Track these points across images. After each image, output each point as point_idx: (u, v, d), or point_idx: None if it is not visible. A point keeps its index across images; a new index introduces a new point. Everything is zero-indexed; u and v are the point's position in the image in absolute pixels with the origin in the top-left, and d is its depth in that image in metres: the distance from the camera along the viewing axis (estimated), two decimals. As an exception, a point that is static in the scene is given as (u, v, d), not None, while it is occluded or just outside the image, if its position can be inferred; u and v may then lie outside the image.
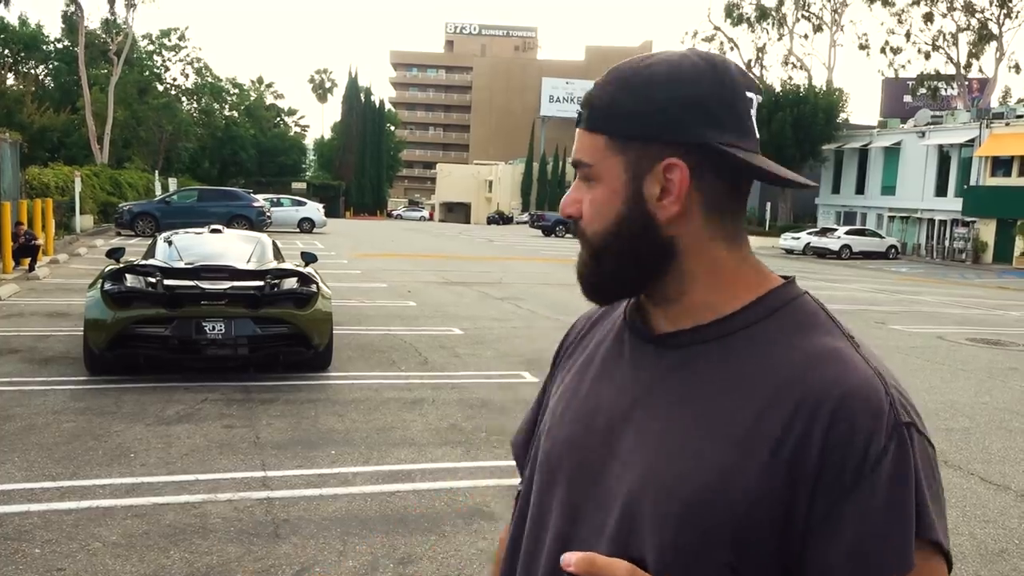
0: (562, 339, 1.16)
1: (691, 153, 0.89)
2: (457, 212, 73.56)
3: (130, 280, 7.14)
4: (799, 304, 0.94)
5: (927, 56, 45.48)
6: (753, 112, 0.92)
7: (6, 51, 54.81)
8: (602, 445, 0.95)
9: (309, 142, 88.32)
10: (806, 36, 52.28)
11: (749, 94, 0.92)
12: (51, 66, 56.97)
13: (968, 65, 44.24)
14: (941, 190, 37.00)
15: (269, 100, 78.39)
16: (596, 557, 0.83)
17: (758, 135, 0.93)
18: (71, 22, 47.95)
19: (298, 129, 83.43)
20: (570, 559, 0.83)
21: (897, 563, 0.82)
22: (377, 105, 75.97)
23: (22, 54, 55.60)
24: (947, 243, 36.15)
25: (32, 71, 56.19)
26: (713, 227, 0.92)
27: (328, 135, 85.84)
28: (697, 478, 0.86)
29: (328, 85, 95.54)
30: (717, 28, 49.79)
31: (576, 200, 0.97)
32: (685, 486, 0.87)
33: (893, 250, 35.39)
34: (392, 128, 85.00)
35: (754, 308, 0.93)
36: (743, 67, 0.95)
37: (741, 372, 0.89)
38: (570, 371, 1.06)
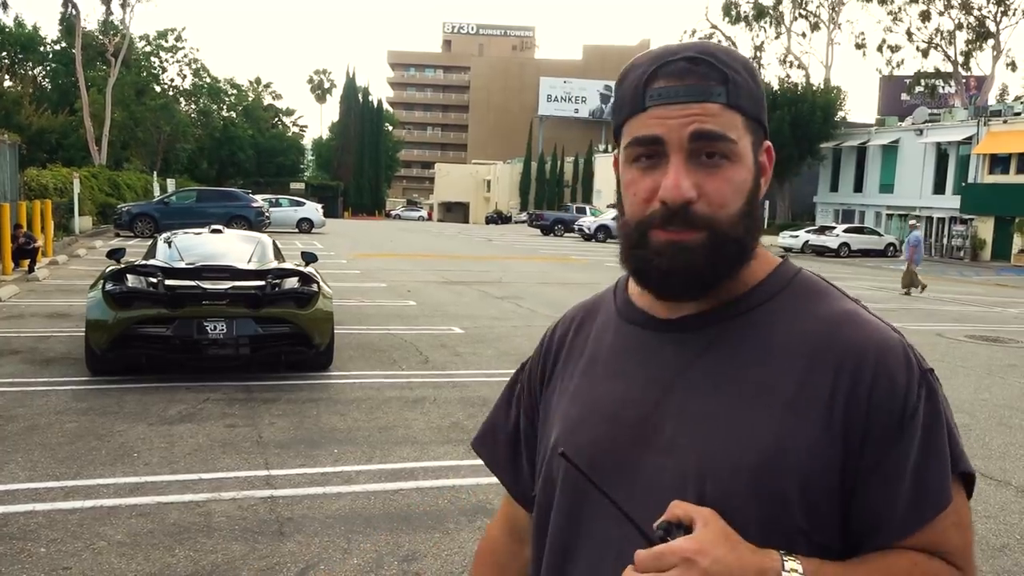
0: (542, 348, 1.13)
1: (767, 138, 0.98)
2: (456, 212, 73.54)
3: (131, 280, 7.15)
4: (804, 277, 1.00)
5: (924, 54, 45.49)
6: None
7: (3, 53, 54.71)
8: (635, 440, 0.94)
9: (307, 142, 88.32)
10: (804, 34, 52.34)
11: None
12: (49, 68, 56.90)
13: (965, 63, 44.25)
14: (939, 188, 37.03)
15: (267, 100, 78.40)
16: (678, 501, 0.85)
17: None
18: (68, 23, 47.93)
19: (296, 129, 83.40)
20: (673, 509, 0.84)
21: (942, 499, 0.89)
22: (375, 105, 75.96)
23: (20, 56, 55.51)
24: (945, 240, 36.18)
25: (30, 73, 56.11)
26: None
27: (326, 135, 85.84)
28: (758, 447, 0.88)
29: (326, 85, 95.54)
30: (715, 27, 49.77)
31: (694, 183, 0.89)
32: (748, 458, 0.88)
33: (892, 248, 35.40)
34: (390, 128, 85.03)
35: (769, 283, 0.98)
36: None
37: (771, 343, 0.93)
38: (573, 376, 1.04)
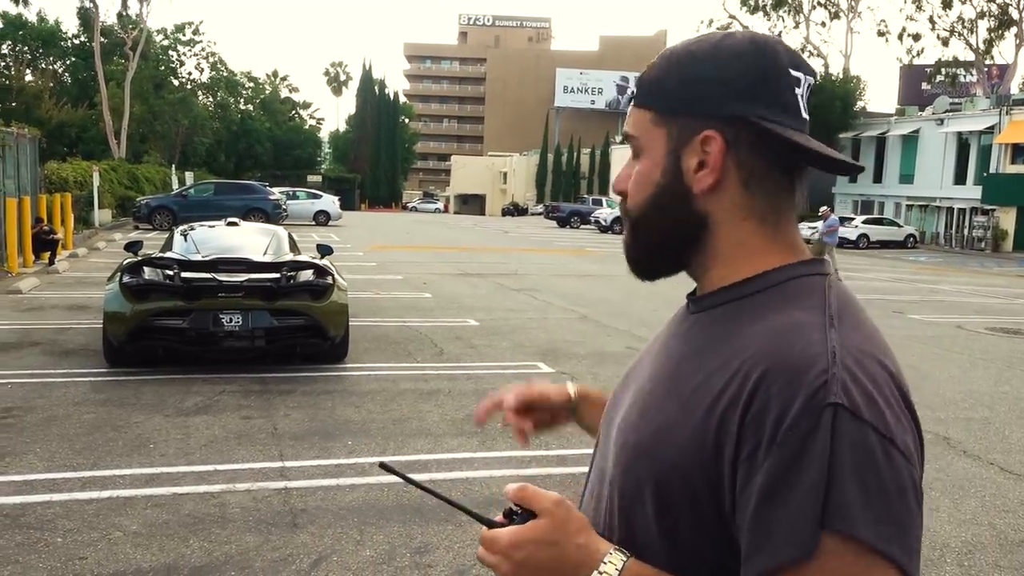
0: None
1: (729, 127, 0.91)
2: (472, 204, 73.54)
3: (148, 273, 7.20)
4: (805, 281, 0.91)
5: (945, 43, 44.93)
6: (800, 91, 0.93)
7: (24, 48, 55.22)
8: (615, 404, 1.03)
9: (324, 135, 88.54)
10: (823, 23, 51.90)
11: (796, 72, 0.93)
12: (68, 62, 57.38)
13: (987, 51, 43.66)
14: (960, 178, 36.60)
15: (284, 93, 78.63)
16: (526, 486, 0.89)
17: (806, 115, 0.94)
18: (87, 17, 48.27)
19: (313, 122, 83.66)
20: (507, 489, 0.90)
21: (792, 545, 0.76)
22: (391, 98, 76.07)
23: (40, 50, 56.00)
24: (966, 232, 35.78)
25: (50, 67, 56.59)
26: (746, 206, 0.93)
27: (343, 128, 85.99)
28: (641, 431, 0.91)
29: (343, 78, 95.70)
30: (732, 16, 49.38)
31: (626, 176, 0.99)
32: (632, 438, 0.92)
33: (912, 239, 35.06)
34: (406, 120, 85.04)
35: (754, 282, 0.92)
36: (793, 48, 0.96)
37: (711, 339, 0.91)
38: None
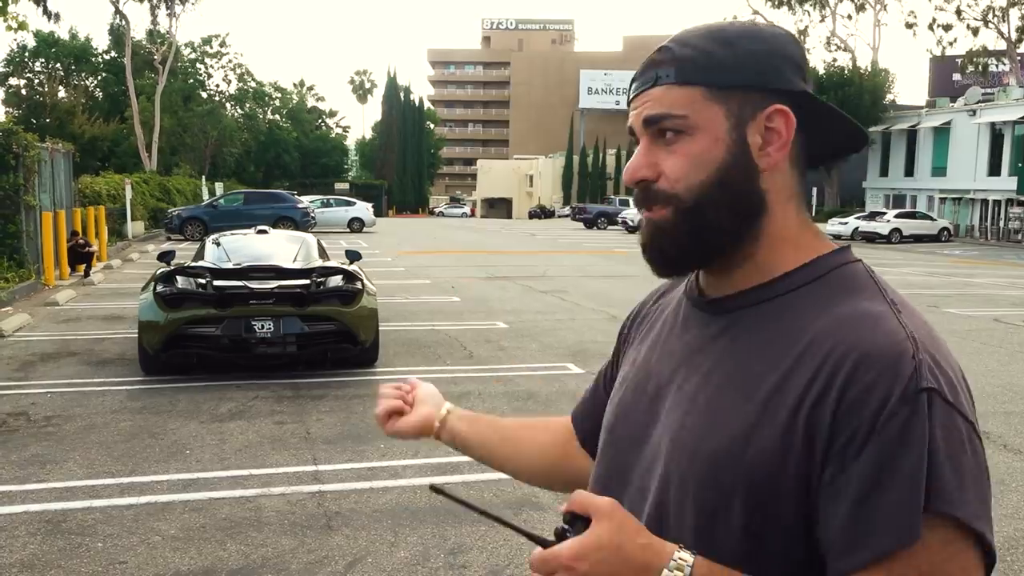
0: (631, 313, 1.18)
1: (793, 102, 0.92)
2: (499, 208, 73.64)
3: (181, 282, 7.30)
4: (848, 269, 0.92)
5: (975, 32, 44.13)
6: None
7: (57, 65, 56.35)
8: (647, 410, 0.97)
9: (350, 143, 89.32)
10: (849, 16, 51.40)
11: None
12: (100, 77, 58.44)
13: (1019, 40, 42.85)
14: (994, 169, 35.93)
15: (310, 103, 79.43)
16: (580, 492, 0.85)
17: None
18: (118, 34, 49.15)
19: (339, 130, 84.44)
20: (563, 506, 0.85)
21: (897, 531, 0.78)
22: (416, 104, 76.52)
23: (72, 67, 57.11)
24: (1002, 224, 35.11)
25: (82, 83, 57.68)
26: (790, 186, 0.94)
27: (369, 135, 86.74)
28: (715, 438, 0.87)
29: (368, 86, 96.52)
30: (756, 12, 48.94)
31: (649, 163, 0.93)
32: (704, 446, 0.88)
33: (946, 233, 34.47)
34: (432, 126, 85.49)
35: (800, 273, 0.92)
36: None
37: (774, 335, 0.89)
38: (634, 344, 1.10)
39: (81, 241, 15.47)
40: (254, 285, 7.29)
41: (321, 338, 7.39)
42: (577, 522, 0.83)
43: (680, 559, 0.82)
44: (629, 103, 0.97)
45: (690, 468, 0.89)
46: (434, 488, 0.95)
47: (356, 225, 33.34)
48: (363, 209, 34.70)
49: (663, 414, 0.95)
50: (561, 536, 0.83)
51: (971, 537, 0.79)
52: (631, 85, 0.97)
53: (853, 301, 0.88)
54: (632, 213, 38.60)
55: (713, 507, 0.87)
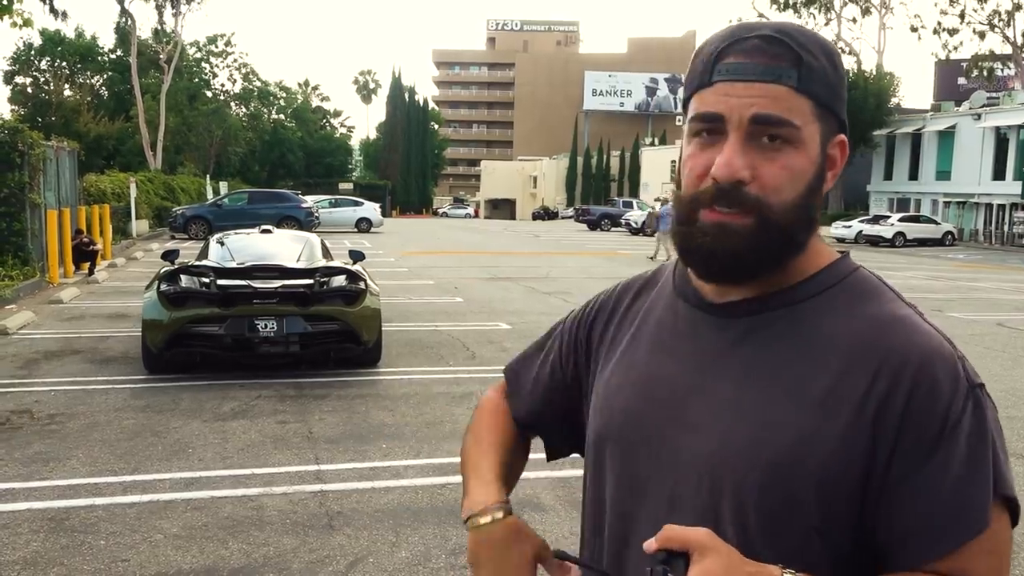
0: (597, 303, 1.13)
1: (844, 131, 0.95)
2: (502, 208, 73.63)
3: (185, 281, 7.32)
4: (860, 275, 0.96)
5: (981, 36, 44.06)
6: None
7: (63, 63, 56.46)
8: (666, 417, 0.95)
9: (355, 143, 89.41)
10: (854, 20, 51.25)
11: None
12: (106, 76, 58.54)
13: (1025, 44, 42.75)
14: (999, 173, 35.86)
15: (315, 103, 79.51)
16: (669, 527, 0.80)
17: None
18: (123, 33, 49.21)
19: (344, 130, 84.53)
20: (648, 545, 0.80)
21: (976, 521, 0.83)
22: (421, 104, 76.60)
23: (78, 65, 57.22)
24: (1006, 228, 35.03)
25: (88, 81, 57.80)
26: (820, 205, 0.96)
27: (373, 135, 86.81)
28: (778, 443, 0.87)
29: (372, 86, 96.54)
30: (761, 15, 48.89)
31: (748, 164, 0.87)
32: (765, 451, 0.87)
33: (950, 236, 34.40)
34: (436, 126, 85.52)
35: (819, 278, 0.94)
36: None
37: (813, 338, 0.90)
38: (620, 344, 1.05)
39: (86, 239, 15.50)
40: (258, 284, 7.30)
41: (324, 338, 7.40)
42: (675, 560, 0.78)
43: None
44: (719, 81, 0.88)
45: (749, 475, 0.87)
46: (558, 554, 0.95)
47: (364, 225, 33.53)
48: (371, 209, 34.93)
49: (692, 422, 0.92)
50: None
51: (1012, 508, 0.87)
52: (723, 62, 0.88)
53: (877, 305, 0.92)
54: (635, 215, 38.54)
55: (779, 511, 0.86)
